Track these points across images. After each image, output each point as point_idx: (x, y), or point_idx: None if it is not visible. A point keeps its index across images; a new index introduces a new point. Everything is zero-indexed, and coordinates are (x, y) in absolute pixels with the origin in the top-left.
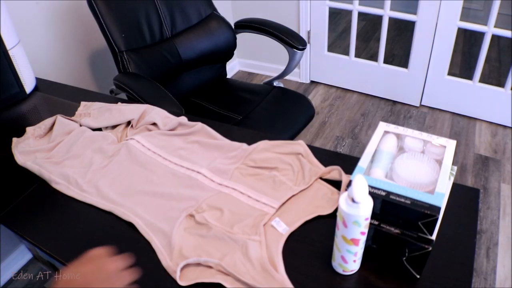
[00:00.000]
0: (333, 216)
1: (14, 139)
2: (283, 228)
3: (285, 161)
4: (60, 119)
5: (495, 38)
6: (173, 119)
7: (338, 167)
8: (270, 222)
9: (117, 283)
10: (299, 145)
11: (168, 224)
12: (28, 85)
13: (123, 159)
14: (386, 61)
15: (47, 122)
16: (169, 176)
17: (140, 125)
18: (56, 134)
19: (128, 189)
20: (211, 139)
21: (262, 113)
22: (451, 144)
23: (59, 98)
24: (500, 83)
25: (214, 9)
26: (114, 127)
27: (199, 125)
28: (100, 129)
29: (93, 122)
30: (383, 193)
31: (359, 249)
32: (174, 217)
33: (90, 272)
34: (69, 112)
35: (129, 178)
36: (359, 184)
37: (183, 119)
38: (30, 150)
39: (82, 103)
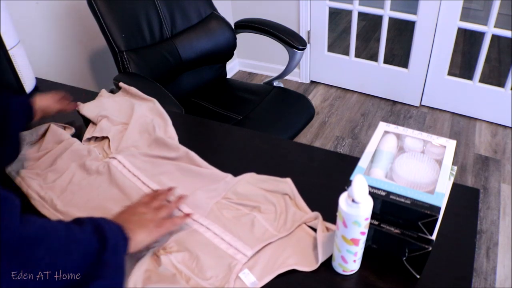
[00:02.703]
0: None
1: None
2: (252, 282)
3: (269, 200)
4: (53, 127)
5: (495, 38)
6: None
7: (318, 214)
8: (239, 273)
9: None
10: (286, 184)
11: (129, 260)
12: (28, 85)
13: (103, 179)
14: (386, 61)
15: (40, 129)
16: None
17: (122, 147)
18: (47, 142)
19: (99, 214)
20: (195, 166)
21: (262, 113)
22: (451, 144)
23: None
24: (500, 83)
25: (214, 9)
26: (101, 138)
27: (183, 150)
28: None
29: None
30: (383, 193)
31: (359, 249)
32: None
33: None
34: (69, 112)
35: (104, 202)
36: (359, 184)
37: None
38: (19, 157)
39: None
